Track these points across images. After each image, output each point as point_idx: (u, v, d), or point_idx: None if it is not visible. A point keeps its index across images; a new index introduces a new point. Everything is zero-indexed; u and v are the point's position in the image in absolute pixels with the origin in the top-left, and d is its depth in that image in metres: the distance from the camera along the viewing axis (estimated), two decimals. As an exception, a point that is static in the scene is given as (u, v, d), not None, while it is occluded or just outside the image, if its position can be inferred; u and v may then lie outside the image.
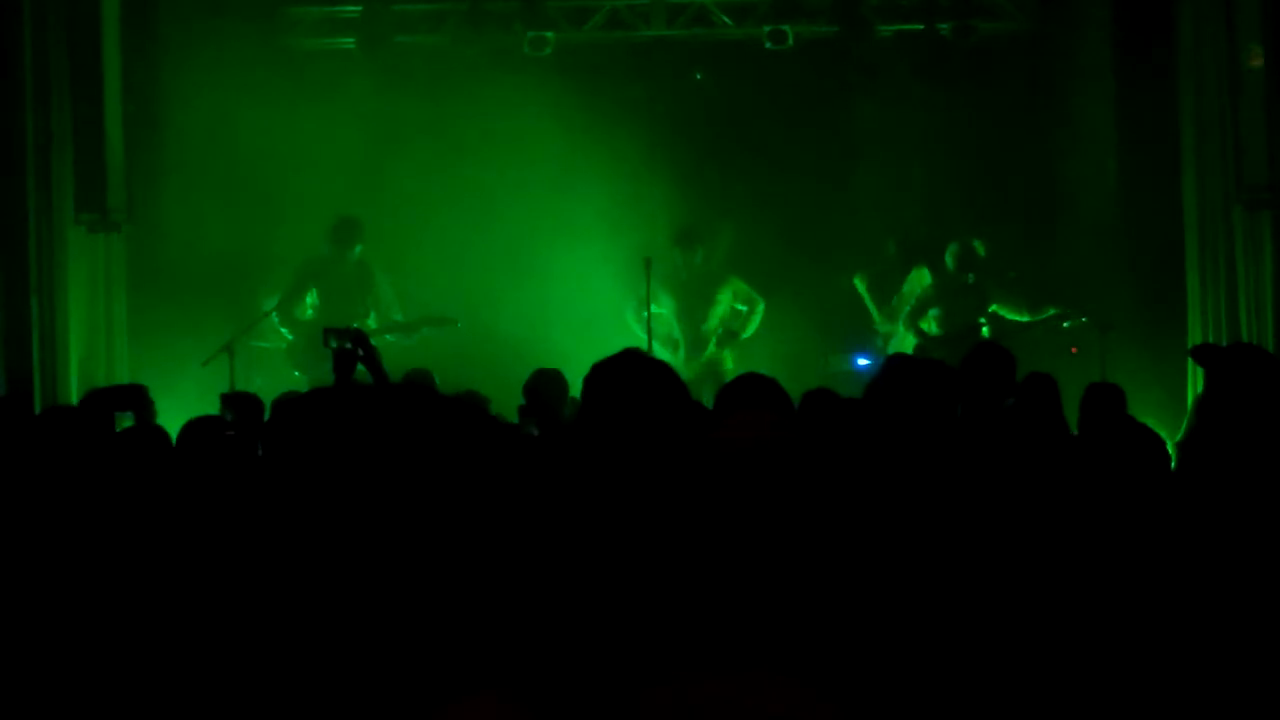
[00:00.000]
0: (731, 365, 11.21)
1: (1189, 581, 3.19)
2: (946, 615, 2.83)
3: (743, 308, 11.48)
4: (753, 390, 4.60)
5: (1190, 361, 10.62)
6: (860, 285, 11.82)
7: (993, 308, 10.97)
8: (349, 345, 5.14)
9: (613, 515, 1.92)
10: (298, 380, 10.79)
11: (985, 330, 10.80)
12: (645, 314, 10.95)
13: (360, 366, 5.29)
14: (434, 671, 1.63)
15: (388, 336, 10.91)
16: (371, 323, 10.92)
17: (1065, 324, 10.90)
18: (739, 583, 1.95)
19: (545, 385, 6.87)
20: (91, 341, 10.79)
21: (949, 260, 11.06)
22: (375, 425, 1.74)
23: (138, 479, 4.77)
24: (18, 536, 3.85)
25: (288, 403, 6.15)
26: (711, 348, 11.30)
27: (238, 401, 7.15)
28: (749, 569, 1.93)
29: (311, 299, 11.02)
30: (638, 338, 11.06)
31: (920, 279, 11.51)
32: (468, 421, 1.75)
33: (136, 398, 7.03)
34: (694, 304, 11.37)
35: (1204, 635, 3.09)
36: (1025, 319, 10.93)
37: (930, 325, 11.02)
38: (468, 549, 1.66)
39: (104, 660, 3.27)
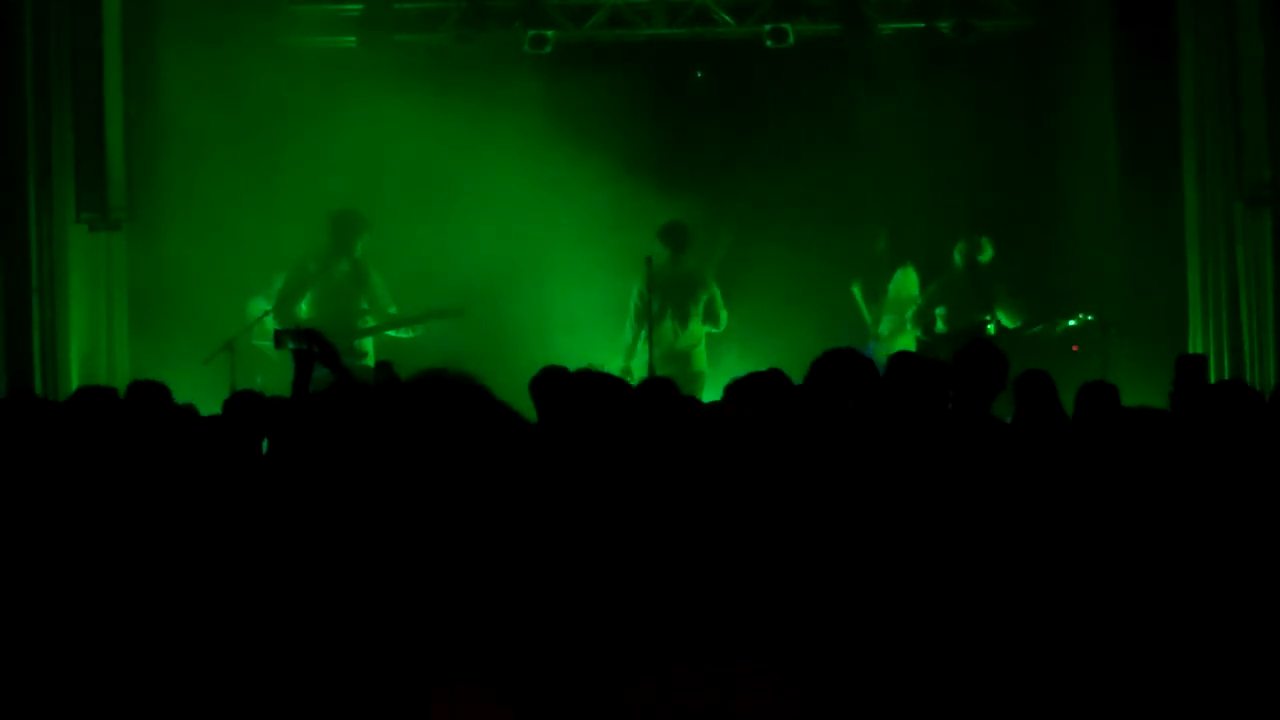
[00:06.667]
0: (705, 365, 11.19)
1: (1186, 570, 3.19)
2: (933, 607, 2.84)
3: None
4: (761, 386, 4.61)
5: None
6: (856, 292, 11.77)
7: (997, 308, 10.97)
8: (305, 346, 5.09)
9: (595, 511, 1.93)
10: (299, 379, 10.77)
11: (991, 328, 10.78)
12: (645, 311, 10.94)
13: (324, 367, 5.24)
14: (419, 663, 1.63)
15: (390, 332, 10.90)
16: (370, 320, 10.91)
17: (1071, 322, 10.89)
18: (723, 575, 1.96)
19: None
20: (92, 340, 10.79)
21: (957, 257, 11.06)
22: (361, 425, 1.74)
23: (141, 471, 4.77)
24: (21, 532, 3.86)
25: (242, 397, 6.16)
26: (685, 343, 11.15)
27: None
28: (731, 561, 1.94)
29: (308, 299, 11.00)
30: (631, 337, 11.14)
31: (907, 279, 11.51)
32: (453, 419, 1.76)
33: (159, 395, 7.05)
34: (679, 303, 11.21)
35: (1201, 630, 3.09)
36: (1019, 322, 10.92)
37: (936, 323, 11.01)
38: (453, 544, 1.66)
39: (94, 640, 3.29)
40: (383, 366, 6.86)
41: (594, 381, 3.22)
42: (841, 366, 4.68)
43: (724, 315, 11.29)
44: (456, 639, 1.65)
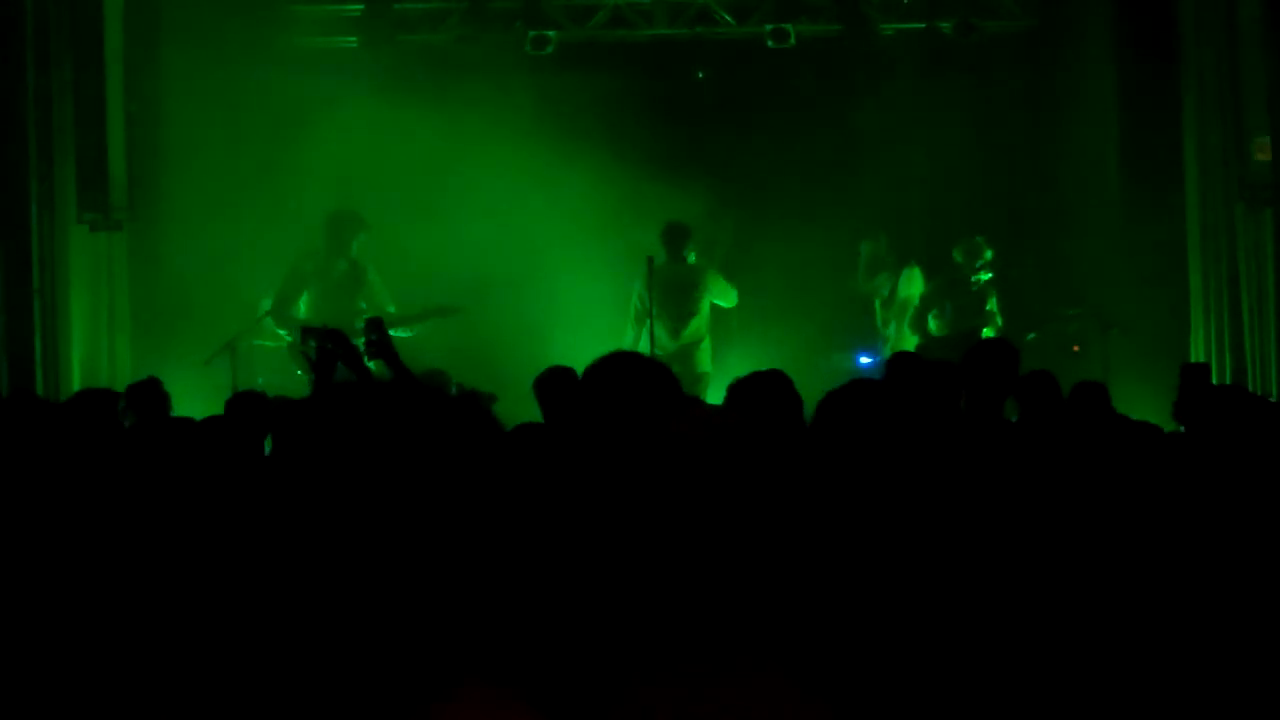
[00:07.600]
0: (709, 365, 11.20)
1: (1187, 574, 3.19)
2: (942, 612, 2.83)
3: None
4: (762, 386, 4.59)
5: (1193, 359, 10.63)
6: (877, 305, 11.81)
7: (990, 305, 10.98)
8: (328, 345, 5.14)
9: (607, 511, 1.92)
10: (300, 379, 10.78)
11: (987, 331, 10.77)
12: (646, 312, 10.95)
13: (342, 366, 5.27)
14: (430, 665, 1.63)
15: (389, 331, 10.86)
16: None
17: (1071, 328, 10.90)
18: (733, 579, 1.95)
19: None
20: (93, 341, 10.79)
21: (958, 257, 11.05)
22: (367, 423, 1.74)
23: (139, 474, 4.77)
24: (21, 532, 3.86)
25: (244, 397, 6.17)
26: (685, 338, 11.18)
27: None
28: (742, 565, 1.94)
29: (306, 299, 10.99)
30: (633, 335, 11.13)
31: (912, 279, 11.51)
32: (461, 419, 1.75)
33: (151, 391, 7.05)
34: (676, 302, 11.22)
35: (1200, 633, 3.09)
36: (996, 329, 10.92)
37: (933, 324, 11.00)
38: (462, 545, 1.66)
39: (94, 641, 3.29)
40: (373, 323, 6.89)
41: (636, 366, 3.15)
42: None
43: (732, 292, 11.28)
44: (468, 639, 1.64)
